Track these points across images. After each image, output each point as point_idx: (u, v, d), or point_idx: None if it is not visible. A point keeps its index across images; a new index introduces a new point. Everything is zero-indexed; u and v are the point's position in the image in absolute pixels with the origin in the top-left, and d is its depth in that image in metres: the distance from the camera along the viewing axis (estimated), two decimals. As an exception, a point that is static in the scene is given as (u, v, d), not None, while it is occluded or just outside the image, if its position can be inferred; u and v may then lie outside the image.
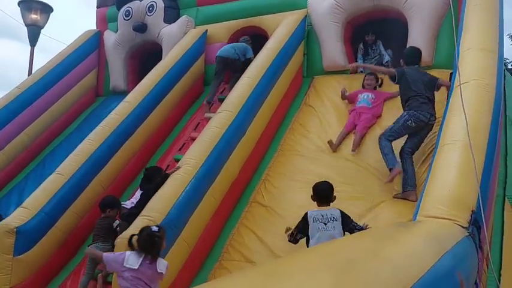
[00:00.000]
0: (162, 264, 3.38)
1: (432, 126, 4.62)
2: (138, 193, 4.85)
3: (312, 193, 3.94)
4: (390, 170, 4.51)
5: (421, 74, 4.79)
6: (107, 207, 4.56)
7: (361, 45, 6.60)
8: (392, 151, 4.58)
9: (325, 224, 3.70)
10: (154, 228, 3.43)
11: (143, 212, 4.12)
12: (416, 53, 4.99)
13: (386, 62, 6.33)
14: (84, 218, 5.00)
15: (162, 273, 3.37)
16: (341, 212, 3.79)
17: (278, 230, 4.55)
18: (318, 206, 3.88)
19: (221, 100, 6.09)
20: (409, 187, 4.38)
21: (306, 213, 3.82)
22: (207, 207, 4.54)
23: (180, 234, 4.19)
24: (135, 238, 3.39)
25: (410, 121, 4.53)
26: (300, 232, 3.84)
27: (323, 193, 3.88)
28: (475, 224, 3.05)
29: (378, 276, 1.62)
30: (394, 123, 4.68)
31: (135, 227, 3.95)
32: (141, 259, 3.31)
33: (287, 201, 4.82)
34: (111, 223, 4.48)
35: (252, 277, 1.59)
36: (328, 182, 3.98)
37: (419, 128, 4.57)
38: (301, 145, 5.50)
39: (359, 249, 1.93)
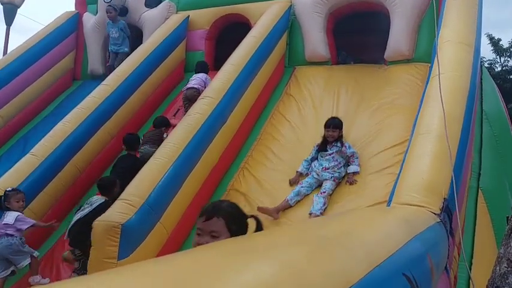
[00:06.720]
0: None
1: None
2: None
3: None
4: None
5: None
6: (163, 125, 5.76)
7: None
8: None
9: None
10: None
11: (122, 196, 4.07)
12: None
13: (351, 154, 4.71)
14: (58, 201, 4.92)
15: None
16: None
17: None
18: None
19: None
20: None
21: None
22: (186, 193, 4.52)
23: (159, 219, 4.16)
24: None
25: None
26: None
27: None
28: (447, 211, 3.12)
29: (350, 252, 1.64)
30: None
31: (112, 210, 3.91)
32: None
33: (264, 190, 4.83)
34: (161, 135, 5.52)
35: (225, 250, 1.58)
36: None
37: None
38: (281, 134, 5.51)
39: (333, 227, 1.96)
